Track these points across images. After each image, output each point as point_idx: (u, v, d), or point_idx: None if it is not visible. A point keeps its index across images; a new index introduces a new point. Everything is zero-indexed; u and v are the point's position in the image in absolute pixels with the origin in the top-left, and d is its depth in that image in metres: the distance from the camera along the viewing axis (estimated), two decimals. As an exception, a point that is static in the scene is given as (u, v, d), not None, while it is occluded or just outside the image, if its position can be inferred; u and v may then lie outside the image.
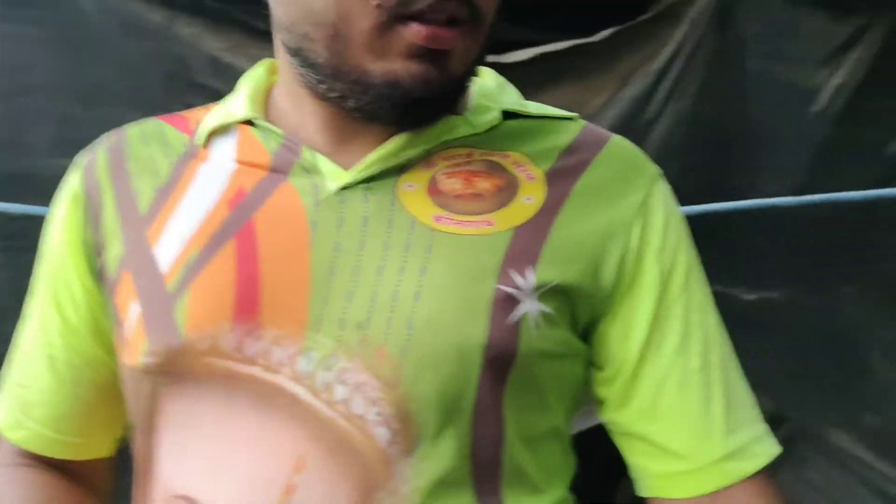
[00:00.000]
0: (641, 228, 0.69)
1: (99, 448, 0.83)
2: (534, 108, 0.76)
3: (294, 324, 0.64)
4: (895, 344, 2.80)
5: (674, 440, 0.68)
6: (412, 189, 0.67)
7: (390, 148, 0.69)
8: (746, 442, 0.69)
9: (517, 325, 0.64)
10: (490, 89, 0.76)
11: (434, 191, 0.67)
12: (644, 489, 0.72)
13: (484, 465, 0.65)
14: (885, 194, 2.51)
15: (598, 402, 0.73)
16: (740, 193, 2.32)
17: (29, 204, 1.91)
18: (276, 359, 0.63)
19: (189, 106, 0.85)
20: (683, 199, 0.82)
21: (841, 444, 2.65)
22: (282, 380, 0.63)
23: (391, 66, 0.62)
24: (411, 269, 0.64)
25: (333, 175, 0.68)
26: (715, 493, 0.68)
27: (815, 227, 2.73)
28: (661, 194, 0.71)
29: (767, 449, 0.70)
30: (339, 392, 0.62)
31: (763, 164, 2.41)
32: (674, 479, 0.68)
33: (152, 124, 0.79)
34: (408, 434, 0.62)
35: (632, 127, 2.29)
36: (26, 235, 1.80)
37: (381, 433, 0.62)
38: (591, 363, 0.72)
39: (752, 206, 1.99)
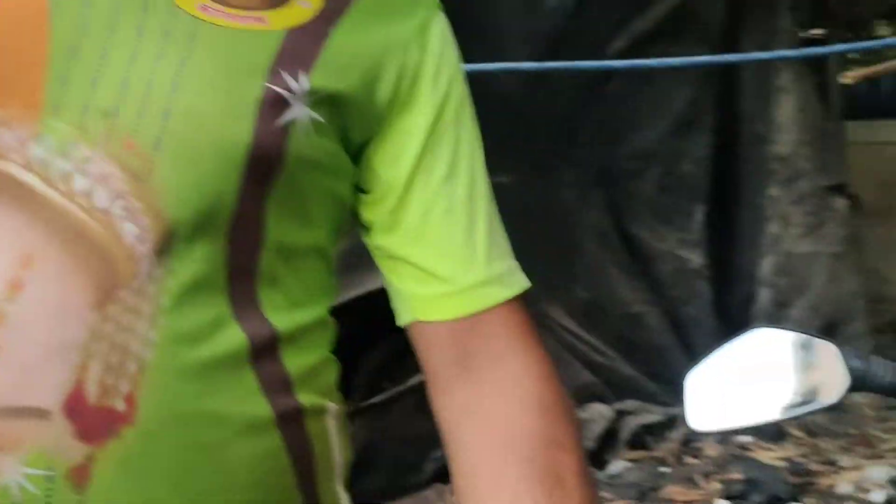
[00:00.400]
0: (419, 51, 0.68)
1: None
2: None
3: (26, 106, 0.58)
4: (600, 226, 3.13)
5: (439, 264, 0.69)
6: None
7: None
8: (504, 271, 0.70)
9: (285, 129, 0.61)
10: None
11: None
12: (405, 315, 0.72)
13: (240, 272, 0.63)
14: (617, 65, 2.72)
15: (364, 228, 0.73)
16: (478, 82, 2.41)
17: None
18: (5, 143, 0.57)
19: None
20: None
21: (556, 316, 2.93)
22: (10, 166, 0.56)
23: None
24: (169, 58, 0.60)
25: None
26: (474, 316, 0.69)
27: (540, 113, 2.94)
28: (441, 24, 0.71)
29: (521, 280, 0.72)
30: (80, 183, 0.57)
31: (501, 55, 2.52)
32: (437, 301, 0.69)
33: None
34: (159, 231, 0.58)
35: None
36: None
37: (128, 229, 0.57)
38: (359, 188, 0.71)
39: (491, 68, 2.08)
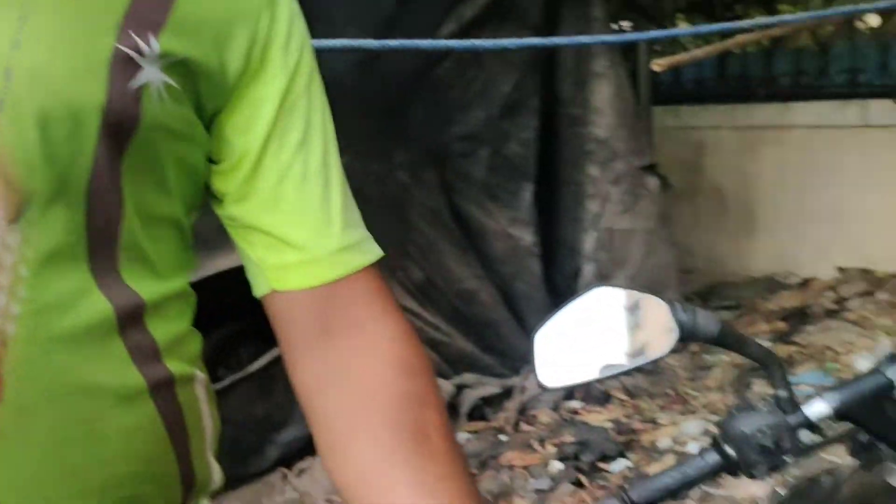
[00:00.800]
0: (269, 19, 0.67)
1: None
2: None
3: None
4: (433, 208, 3.20)
5: (294, 232, 0.68)
6: None
7: None
8: (359, 239, 0.71)
9: (139, 92, 0.59)
10: None
11: None
12: (261, 286, 0.71)
13: (100, 241, 0.61)
14: (452, 44, 2.77)
15: (216, 199, 0.71)
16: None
17: None
18: None
19: None
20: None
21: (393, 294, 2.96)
22: None
23: None
24: (5, 16, 0.56)
25: None
26: (332, 284, 0.69)
27: (372, 95, 2.95)
28: None
29: (376, 248, 0.72)
30: None
31: (332, 37, 2.51)
32: (293, 269, 0.69)
33: None
34: (9, 198, 0.55)
35: None
36: None
37: None
38: (212, 160, 0.69)
39: (333, 45, 2.07)
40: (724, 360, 3.32)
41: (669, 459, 2.59)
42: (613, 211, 3.43)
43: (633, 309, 0.91)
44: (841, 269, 4.29)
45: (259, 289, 0.71)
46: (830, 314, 3.82)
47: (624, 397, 3.08)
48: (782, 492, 0.90)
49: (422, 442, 0.67)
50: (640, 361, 0.90)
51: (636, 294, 0.91)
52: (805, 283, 4.30)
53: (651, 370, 3.29)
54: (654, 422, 2.91)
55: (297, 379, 0.71)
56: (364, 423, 0.68)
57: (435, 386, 0.72)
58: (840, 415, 0.94)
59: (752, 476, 0.94)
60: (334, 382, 0.69)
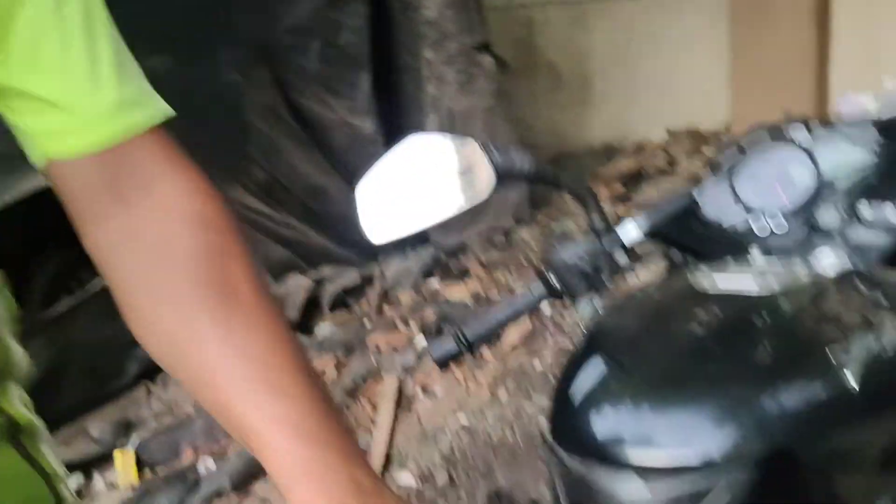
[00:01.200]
0: None
1: None
2: None
3: None
4: (269, 105, 3.12)
5: (60, 92, 0.64)
6: None
7: None
8: (138, 95, 0.66)
9: None
10: None
11: None
12: (38, 156, 0.66)
13: None
14: None
15: None
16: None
17: None
18: None
19: None
20: None
21: (237, 196, 2.90)
22: None
23: None
24: None
25: None
26: (114, 148, 0.65)
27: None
28: None
29: (162, 106, 0.67)
30: None
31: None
32: (66, 134, 0.64)
33: None
34: None
35: None
36: None
37: None
38: None
39: None
40: (572, 228, 3.48)
41: (527, 321, 2.72)
42: (450, 92, 3.45)
43: (451, 154, 0.91)
44: (670, 132, 4.52)
45: (36, 160, 0.66)
46: (663, 173, 4.05)
47: (480, 272, 3.18)
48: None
49: (228, 295, 0.64)
50: (463, 206, 0.92)
51: (451, 137, 0.92)
52: (639, 148, 4.51)
53: (504, 244, 3.41)
54: (509, 290, 3.04)
55: (91, 249, 0.67)
56: (163, 283, 0.65)
57: (238, 237, 0.68)
58: (651, 234, 1.02)
59: (573, 299, 1.00)
60: (129, 247, 0.66)
